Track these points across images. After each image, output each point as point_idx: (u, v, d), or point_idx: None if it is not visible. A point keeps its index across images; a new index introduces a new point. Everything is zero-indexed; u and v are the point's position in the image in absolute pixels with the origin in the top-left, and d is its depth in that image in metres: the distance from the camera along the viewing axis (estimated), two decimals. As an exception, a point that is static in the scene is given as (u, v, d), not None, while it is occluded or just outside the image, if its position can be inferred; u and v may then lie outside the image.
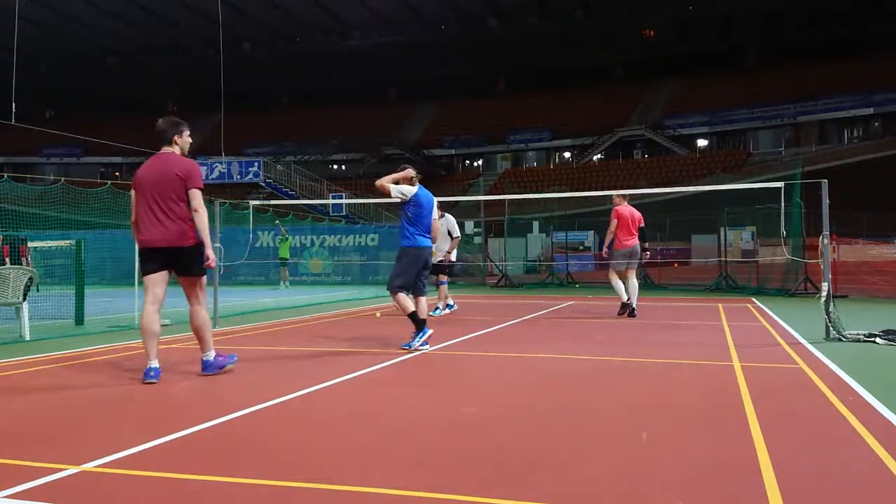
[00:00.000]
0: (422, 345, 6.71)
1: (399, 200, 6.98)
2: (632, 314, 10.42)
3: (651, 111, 50.21)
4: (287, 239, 20.16)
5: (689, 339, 7.99)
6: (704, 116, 47.89)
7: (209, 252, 5.24)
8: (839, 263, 17.70)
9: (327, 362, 6.05)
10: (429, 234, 7.02)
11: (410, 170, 7.13)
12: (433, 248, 11.02)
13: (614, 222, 10.42)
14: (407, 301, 6.81)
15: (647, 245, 10.80)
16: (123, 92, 57.40)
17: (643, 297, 15.25)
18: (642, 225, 10.63)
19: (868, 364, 5.94)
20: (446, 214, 11.03)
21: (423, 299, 6.97)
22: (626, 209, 10.49)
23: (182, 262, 5.27)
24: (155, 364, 5.15)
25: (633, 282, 10.54)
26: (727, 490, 2.82)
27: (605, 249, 10.72)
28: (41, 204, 21.47)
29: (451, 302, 11.34)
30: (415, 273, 6.93)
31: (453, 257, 11.36)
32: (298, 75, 56.30)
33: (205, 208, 5.28)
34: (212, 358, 5.39)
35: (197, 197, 5.23)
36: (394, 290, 6.86)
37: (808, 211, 14.02)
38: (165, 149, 5.38)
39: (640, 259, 10.66)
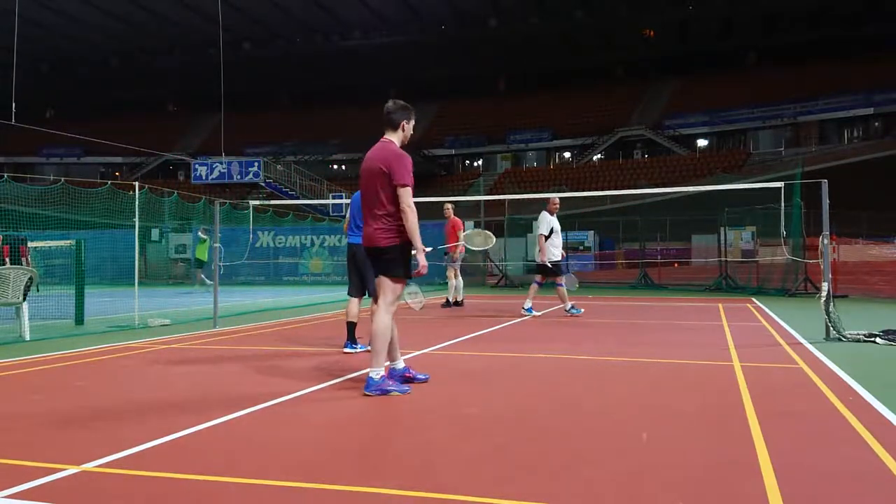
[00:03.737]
0: (347, 347, 6.75)
1: None
2: (460, 304, 12.43)
3: (651, 111, 50.21)
4: (205, 241, 19.18)
5: (689, 339, 7.98)
6: (704, 116, 47.91)
7: (420, 257, 4.65)
8: (839, 263, 17.69)
9: (326, 363, 6.05)
10: (357, 229, 6.56)
11: None
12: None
13: (460, 232, 12.09)
14: (349, 306, 6.86)
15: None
16: (123, 92, 57.42)
17: (643, 298, 15.27)
18: None
19: (868, 364, 5.94)
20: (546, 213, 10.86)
21: (354, 301, 6.83)
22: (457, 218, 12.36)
23: (378, 263, 4.82)
24: (393, 365, 4.97)
25: (460, 279, 12.63)
26: (727, 490, 2.82)
27: (456, 255, 12.32)
28: (41, 204, 21.47)
29: (528, 305, 10.66)
30: (353, 273, 6.77)
31: (549, 256, 10.52)
32: (298, 75, 56.28)
33: (413, 209, 4.64)
34: (375, 377, 4.65)
35: (402, 195, 4.61)
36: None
37: (808, 211, 14.01)
38: (388, 135, 4.87)
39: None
